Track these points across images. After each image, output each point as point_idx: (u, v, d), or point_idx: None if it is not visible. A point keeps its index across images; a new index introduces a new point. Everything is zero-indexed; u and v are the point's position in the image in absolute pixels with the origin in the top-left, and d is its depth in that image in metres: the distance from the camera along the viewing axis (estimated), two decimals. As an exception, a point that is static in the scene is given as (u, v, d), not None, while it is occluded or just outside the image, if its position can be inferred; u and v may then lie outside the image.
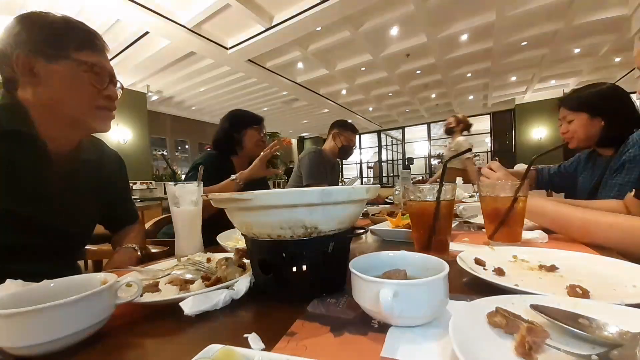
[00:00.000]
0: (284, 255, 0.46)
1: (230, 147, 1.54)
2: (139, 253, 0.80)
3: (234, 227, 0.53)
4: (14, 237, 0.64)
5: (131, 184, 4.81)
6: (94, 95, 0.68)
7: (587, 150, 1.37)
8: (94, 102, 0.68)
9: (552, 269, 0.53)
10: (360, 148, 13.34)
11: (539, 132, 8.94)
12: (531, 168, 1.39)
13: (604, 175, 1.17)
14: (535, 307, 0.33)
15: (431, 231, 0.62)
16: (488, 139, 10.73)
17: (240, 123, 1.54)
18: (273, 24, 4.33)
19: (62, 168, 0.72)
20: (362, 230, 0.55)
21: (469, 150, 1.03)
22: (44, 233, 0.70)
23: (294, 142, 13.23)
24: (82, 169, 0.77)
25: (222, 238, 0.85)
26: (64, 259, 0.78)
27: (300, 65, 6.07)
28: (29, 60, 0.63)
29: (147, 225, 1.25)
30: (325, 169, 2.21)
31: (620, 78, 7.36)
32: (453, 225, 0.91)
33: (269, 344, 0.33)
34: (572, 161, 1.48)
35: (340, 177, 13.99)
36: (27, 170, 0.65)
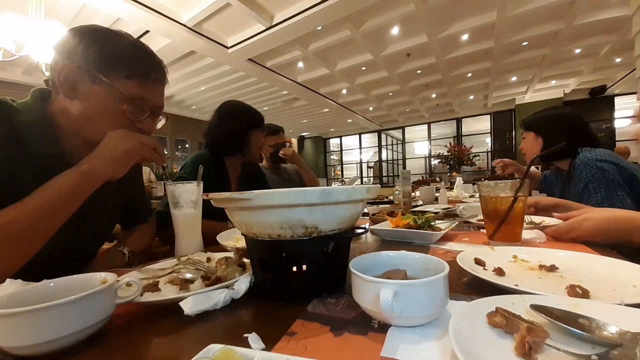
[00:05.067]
0: (284, 255, 0.46)
1: (229, 147, 1.32)
2: (126, 259, 0.80)
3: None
4: (38, 254, 0.62)
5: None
6: (125, 125, 0.67)
7: (552, 169, 1.56)
8: None
9: (552, 269, 0.53)
10: (360, 148, 13.34)
11: (539, 132, 8.92)
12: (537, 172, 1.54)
13: (576, 189, 1.24)
14: (535, 307, 0.33)
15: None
16: (488, 139, 10.72)
17: (247, 121, 1.34)
18: (273, 23, 4.32)
19: None
20: (362, 230, 0.55)
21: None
22: (68, 248, 0.71)
23: (295, 141, 13.23)
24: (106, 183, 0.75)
25: (222, 238, 0.85)
26: (84, 265, 0.78)
27: (300, 64, 6.07)
28: (74, 75, 0.63)
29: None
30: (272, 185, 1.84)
31: (621, 79, 7.36)
32: (453, 225, 0.91)
33: (269, 344, 0.33)
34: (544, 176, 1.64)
35: (341, 177, 14.03)
36: None
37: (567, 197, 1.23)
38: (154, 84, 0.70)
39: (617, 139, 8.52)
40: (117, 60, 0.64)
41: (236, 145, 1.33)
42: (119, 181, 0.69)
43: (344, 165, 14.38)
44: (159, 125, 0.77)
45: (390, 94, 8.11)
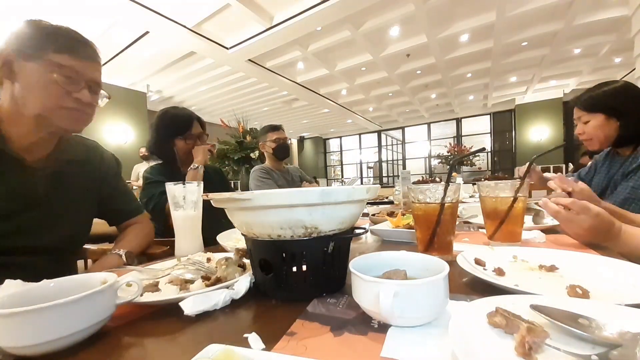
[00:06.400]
0: (284, 255, 0.46)
1: (169, 156, 1.33)
2: (123, 260, 0.81)
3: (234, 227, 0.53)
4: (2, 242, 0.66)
5: (131, 182, 4.79)
6: (61, 96, 0.69)
7: (605, 150, 1.31)
8: (60, 102, 0.70)
9: (552, 269, 0.53)
10: (360, 148, 13.34)
11: (539, 133, 8.93)
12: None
13: (614, 176, 1.15)
14: (535, 307, 0.33)
15: (434, 232, 0.62)
16: (488, 139, 10.73)
17: (167, 131, 1.32)
18: (273, 23, 4.33)
19: (44, 172, 0.74)
20: (362, 230, 0.55)
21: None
22: (35, 237, 0.73)
23: (294, 142, 13.22)
24: (67, 169, 0.79)
25: (222, 238, 0.85)
26: (61, 257, 0.79)
27: (300, 65, 6.07)
28: (10, 58, 0.67)
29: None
30: (273, 182, 2.03)
31: (621, 79, 7.35)
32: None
33: (269, 344, 0.33)
34: (589, 166, 1.42)
35: (340, 177, 14.03)
36: (3, 186, 0.68)
37: (613, 184, 1.13)
38: (84, 59, 0.73)
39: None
40: (45, 39, 0.69)
41: (167, 151, 1.33)
42: (91, 181, 0.74)
43: (343, 166, 14.39)
44: (102, 103, 0.80)
45: (390, 94, 8.11)
